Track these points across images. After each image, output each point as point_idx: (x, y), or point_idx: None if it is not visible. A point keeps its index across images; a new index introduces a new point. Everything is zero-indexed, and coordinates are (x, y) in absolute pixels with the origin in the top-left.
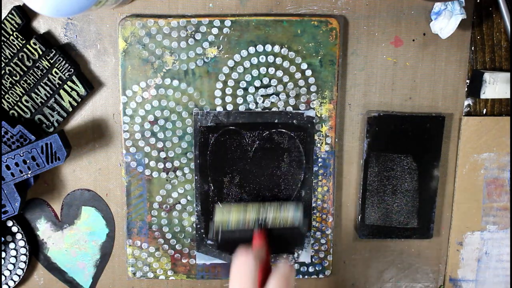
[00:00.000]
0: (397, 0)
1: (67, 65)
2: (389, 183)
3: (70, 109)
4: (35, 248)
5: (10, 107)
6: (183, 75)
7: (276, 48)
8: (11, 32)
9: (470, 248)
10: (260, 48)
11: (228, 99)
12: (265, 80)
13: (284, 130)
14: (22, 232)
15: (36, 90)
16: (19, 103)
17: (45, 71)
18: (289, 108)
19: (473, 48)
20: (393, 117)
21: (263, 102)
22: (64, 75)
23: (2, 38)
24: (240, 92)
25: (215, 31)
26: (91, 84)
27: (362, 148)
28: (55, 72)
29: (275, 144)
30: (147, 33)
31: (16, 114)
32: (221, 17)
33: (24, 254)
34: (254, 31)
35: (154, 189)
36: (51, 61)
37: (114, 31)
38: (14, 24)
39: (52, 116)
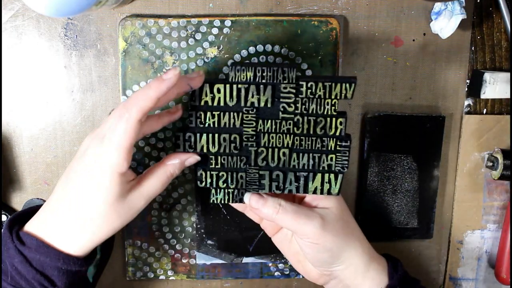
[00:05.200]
0: (397, 0)
1: None
2: (389, 183)
3: None
4: None
5: None
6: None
7: (276, 48)
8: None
9: (470, 247)
10: (260, 48)
11: None
12: None
13: None
14: None
15: None
16: None
17: None
18: None
19: (473, 48)
20: (393, 117)
21: None
22: None
23: None
24: None
25: (215, 31)
26: None
27: (362, 148)
28: None
29: None
30: (147, 33)
31: None
32: (221, 17)
33: None
34: (254, 31)
35: None
36: None
37: (114, 31)
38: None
39: None
